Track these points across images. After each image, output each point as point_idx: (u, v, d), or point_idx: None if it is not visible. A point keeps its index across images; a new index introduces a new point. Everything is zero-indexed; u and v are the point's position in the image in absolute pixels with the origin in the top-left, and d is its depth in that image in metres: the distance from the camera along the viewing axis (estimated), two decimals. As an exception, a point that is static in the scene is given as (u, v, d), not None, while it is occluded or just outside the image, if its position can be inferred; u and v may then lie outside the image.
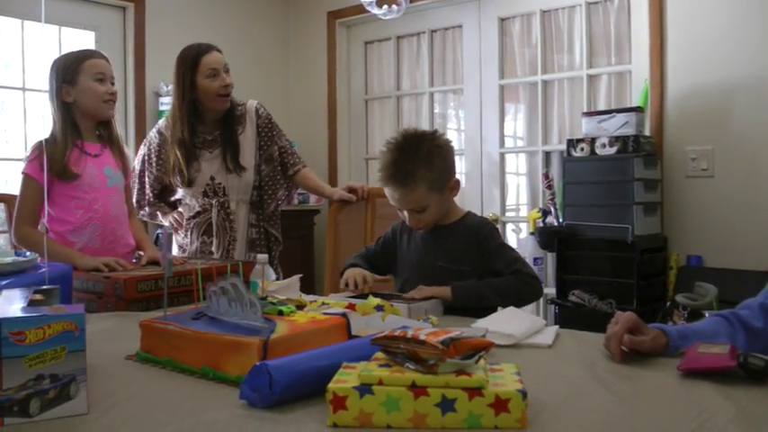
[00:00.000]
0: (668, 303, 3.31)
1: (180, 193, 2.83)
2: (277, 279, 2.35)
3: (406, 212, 2.04)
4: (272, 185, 2.90)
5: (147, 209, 2.88)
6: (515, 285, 1.94)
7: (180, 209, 2.87)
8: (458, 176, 2.11)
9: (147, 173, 2.85)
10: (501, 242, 2.07)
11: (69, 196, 2.37)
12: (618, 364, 1.30)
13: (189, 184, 2.76)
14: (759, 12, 3.38)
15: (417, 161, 1.95)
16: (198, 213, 2.81)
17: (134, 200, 2.78)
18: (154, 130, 2.91)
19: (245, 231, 2.84)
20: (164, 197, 2.89)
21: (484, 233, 2.04)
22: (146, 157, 2.87)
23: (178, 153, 2.73)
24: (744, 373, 1.16)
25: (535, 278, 2.00)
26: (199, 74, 2.68)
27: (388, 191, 2.01)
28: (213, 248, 2.78)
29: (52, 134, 2.40)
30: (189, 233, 2.83)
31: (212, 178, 2.78)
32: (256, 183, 2.86)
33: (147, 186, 2.85)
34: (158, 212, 2.91)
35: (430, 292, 1.90)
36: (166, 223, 2.90)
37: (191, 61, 2.69)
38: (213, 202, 2.79)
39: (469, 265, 2.01)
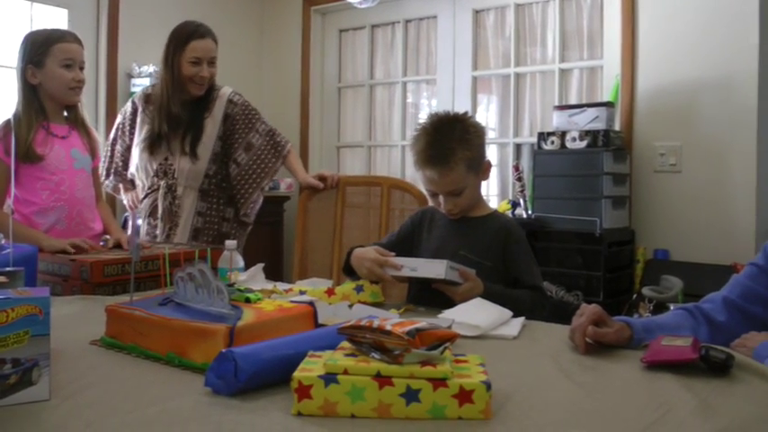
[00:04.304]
0: (634, 296, 3.36)
1: (134, 165, 2.79)
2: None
3: (441, 198, 1.97)
4: (256, 170, 2.83)
5: (112, 177, 2.86)
6: (532, 302, 1.87)
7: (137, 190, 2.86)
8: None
9: (119, 141, 2.85)
10: (530, 251, 2.02)
11: (35, 177, 2.34)
12: (582, 355, 1.31)
13: (151, 151, 2.73)
14: (728, 11, 3.42)
15: (454, 140, 1.91)
16: (147, 194, 2.79)
17: (101, 168, 2.77)
18: (131, 98, 2.92)
19: (189, 218, 2.77)
20: (130, 170, 2.88)
21: (515, 235, 1.99)
22: (120, 126, 2.86)
23: (159, 119, 2.72)
24: (705, 366, 1.18)
25: (549, 299, 1.98)
26: (183, 55, 2.67)
27: (426, 174, 1.94)
28: (158, 232, 2.76)
29: (16, 113, 2.36)
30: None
31: (166, 158, 2.75)
32: (210, 171, 2.78)
33: (118, 154, 2.85)
34: (121, 185, 2.90)
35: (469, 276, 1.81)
36: (126, 201, 2.91)
37: (181, 40, 2.69)
38: (162, 183, 2.76)
39: (492, 260, 1.95)
